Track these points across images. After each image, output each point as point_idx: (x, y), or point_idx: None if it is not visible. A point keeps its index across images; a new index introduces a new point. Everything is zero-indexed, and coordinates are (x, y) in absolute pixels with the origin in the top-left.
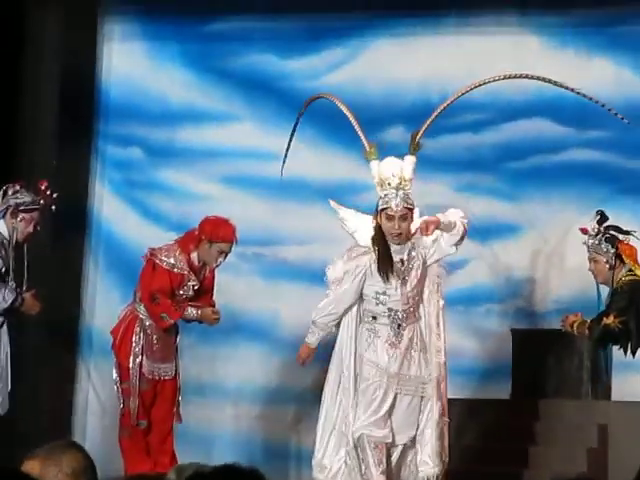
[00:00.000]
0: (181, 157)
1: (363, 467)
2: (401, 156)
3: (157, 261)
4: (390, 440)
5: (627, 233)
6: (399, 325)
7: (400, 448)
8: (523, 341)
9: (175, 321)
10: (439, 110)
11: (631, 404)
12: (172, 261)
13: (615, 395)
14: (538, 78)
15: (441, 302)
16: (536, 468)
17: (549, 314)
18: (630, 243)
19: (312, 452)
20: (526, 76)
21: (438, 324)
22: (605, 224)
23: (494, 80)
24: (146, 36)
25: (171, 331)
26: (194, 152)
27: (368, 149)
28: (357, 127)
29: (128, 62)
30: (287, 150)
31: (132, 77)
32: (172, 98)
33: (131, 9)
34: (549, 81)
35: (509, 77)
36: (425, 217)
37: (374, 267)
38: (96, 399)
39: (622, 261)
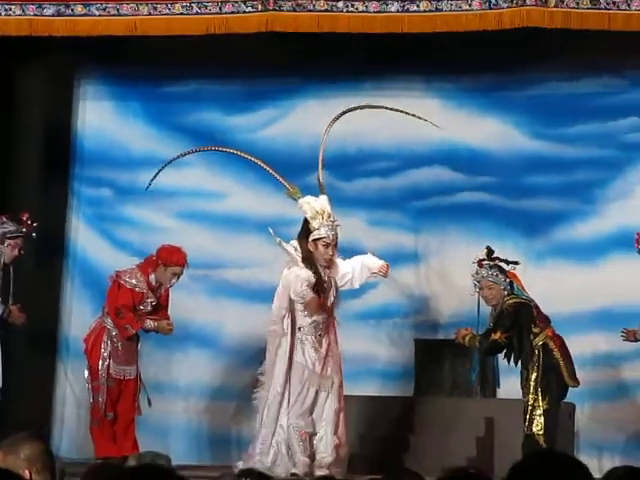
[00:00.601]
0: (142, 196)
1: (292, 454)
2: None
3: (121, 282)
4: (312, 429)
5: (515, 263)
6: (320, 334)
7: (319, 435)
8: (424, 349)
9: (136, 331)
10: (321, 154)
11: (512, 401)
12: (134, 282)
13: (500, 394)
14: (373, 106)
15: (336, 319)
16: (436, 451)
17: (445, 326)
18: (514, 272)
19: (248, 440)
20: (366, 106)
21: (335, 337)
22: (492, 257)
23: (347, 111)
24: (114, 96)
25: (133, 339)
26: (153, 192)
27: (291, 189)
28: (270, 170)
29: (99, 118)
30: (158, 172)
31: (102, 130)
32: (135, 147)
33: (101, 74)
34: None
35: (355, 109)
36: (384, 263)
37: (311, 283)
38: (72, 394)
39: (512, 287)
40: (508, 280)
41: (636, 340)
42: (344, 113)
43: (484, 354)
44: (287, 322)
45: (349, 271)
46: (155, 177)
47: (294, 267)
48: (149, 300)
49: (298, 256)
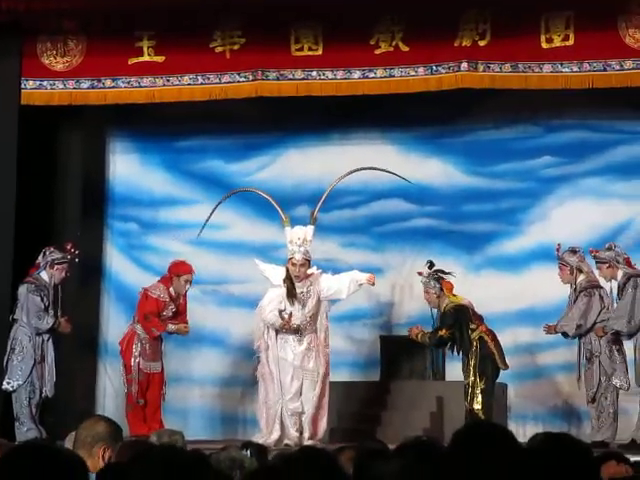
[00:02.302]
0: (162, 228)
1: (285, 429)
2: (305, 225)
3: (149, 293)
4: (300, 410)
5: (448, 274)
6: (300, 334)
7: (306, 414)
8: (387, 343)
9: (160, 333)
10: (324, 197)
11: (457, 383)
12: (158, 292)
13: (447, 377)
14: (372, 168)
15: (326, 323)
16: (398, 424)
17: (404, 325)
18: (449, 280)
19: (252, 419)
20: (370, 168)
21: (325, 337)
22: (433, 269)
23: (349, 174)
24: (138, 150)
25: (158, 340)
26: (170, 225)
27: (284, 218)
28: (275, 204)
29: (126, 167)
30: (207, 220)
31: (129, 177)
32: (155, 190)
33: (127, 133)
34: (379, 169)
35: (357, 170)
36: (371, 274)
37: (285, 296)
38: (111, 386)
39: (443, 292)
40: (438, 286)
41: (556, 333)
42: (350, 173)
43: (435, 347)
44: (267, 335)
45: (334, 284)
46: (204, 227)
47: (270, 290)
48: (170, 308)
49: (276, 278)
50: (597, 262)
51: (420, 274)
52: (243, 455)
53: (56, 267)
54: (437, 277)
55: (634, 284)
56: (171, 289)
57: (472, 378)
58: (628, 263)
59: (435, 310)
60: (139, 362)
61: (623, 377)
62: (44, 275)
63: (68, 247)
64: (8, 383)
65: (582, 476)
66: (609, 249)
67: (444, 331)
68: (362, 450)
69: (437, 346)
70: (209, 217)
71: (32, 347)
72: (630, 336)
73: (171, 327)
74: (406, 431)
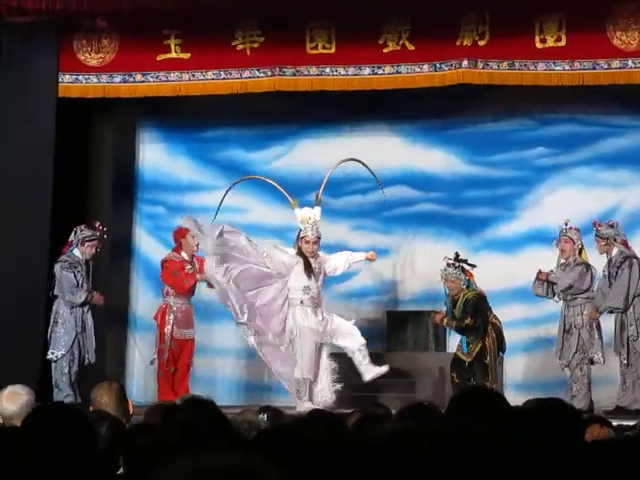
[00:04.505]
0: (187, 211)
1: (301, 396)
2: (312, 207)
3: (166, 259)
4: (314, 378)
5: (474, 265)
6: (316, 305)
7: (320, 382)
8: (393, 318)
9: (194, 282)
10: (326, 179)
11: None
12: (174, 255)
13: (449, 349)
14: (355, 160)
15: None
16: (402, 391)
17: (408, 302)
18: (471, 271)
19: (276, 388)
20: (353, 160)
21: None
22: (459, 259)
23: (343, 161)
24: (165, 140)
25: (190, 308)
26: (194, 208)
27: (292, 201)
28: (280, 188)
29: (154, 155)
30: (220, 205)
31: (157, 164)
32: (181, 177)
33: (155, 123)
34: (361, 162)
35: (347, 160)
36: (372, 251)
37: (302, 270)
38: (139, 356)
39: (469, 283)
40: (467, 277)
41: (547, 280)
42: (341, 162)
43: (458, 332)
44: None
45: (333, 262)
46: (217, 212)
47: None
48: (188, 267)
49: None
50: (596, 235)
51: (448, 263)
52: (259, 418)
53: (87, 244)
54: (463, 268)
55: (629, 264)
56: (183, 253)
57: (488, 359)
58: (625, 244)
59: (449, 294)
60: (172, 330)
61: (599, 352)
62: (76, 252)
63: (97, 225)
64: (52, 353)
65: (569, 435)
66: (611, 226)
67: (469, 319)
68: (366, 413)
69: (462, 333)
70: (220, 203)
71: (73, 319)
72: (625, 310)
73: (200, 276)
74: (409, 398)
